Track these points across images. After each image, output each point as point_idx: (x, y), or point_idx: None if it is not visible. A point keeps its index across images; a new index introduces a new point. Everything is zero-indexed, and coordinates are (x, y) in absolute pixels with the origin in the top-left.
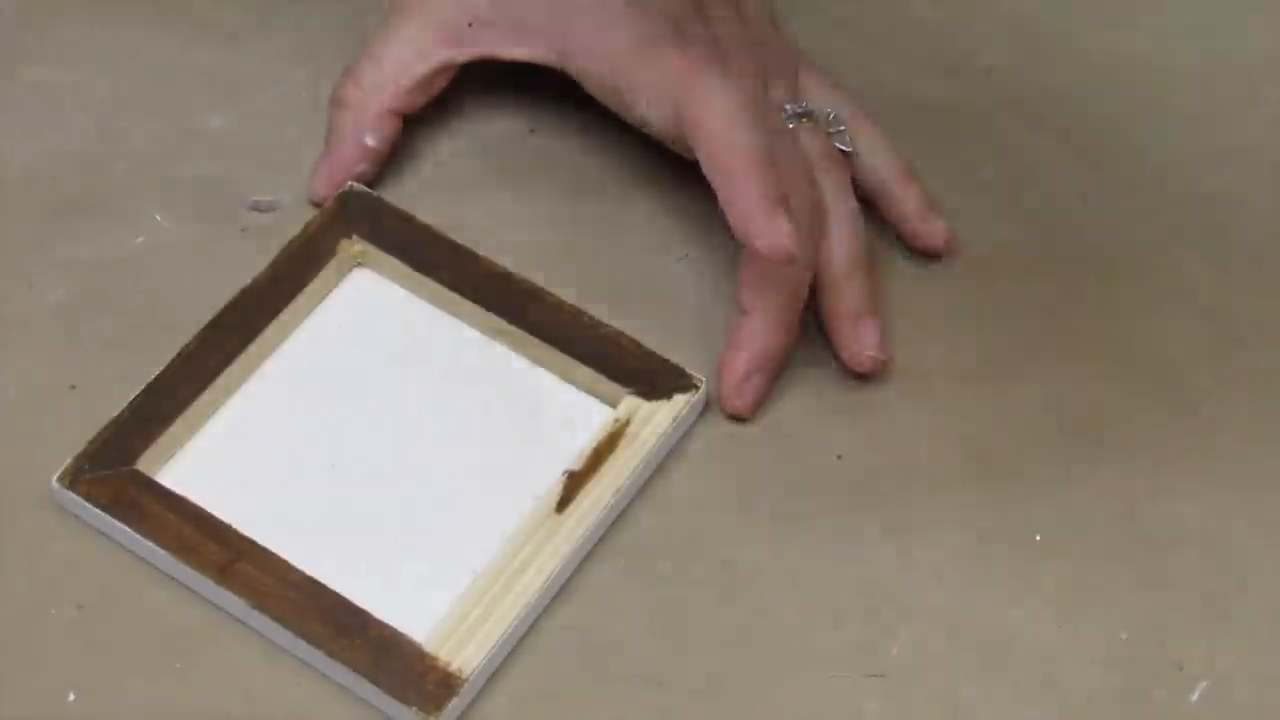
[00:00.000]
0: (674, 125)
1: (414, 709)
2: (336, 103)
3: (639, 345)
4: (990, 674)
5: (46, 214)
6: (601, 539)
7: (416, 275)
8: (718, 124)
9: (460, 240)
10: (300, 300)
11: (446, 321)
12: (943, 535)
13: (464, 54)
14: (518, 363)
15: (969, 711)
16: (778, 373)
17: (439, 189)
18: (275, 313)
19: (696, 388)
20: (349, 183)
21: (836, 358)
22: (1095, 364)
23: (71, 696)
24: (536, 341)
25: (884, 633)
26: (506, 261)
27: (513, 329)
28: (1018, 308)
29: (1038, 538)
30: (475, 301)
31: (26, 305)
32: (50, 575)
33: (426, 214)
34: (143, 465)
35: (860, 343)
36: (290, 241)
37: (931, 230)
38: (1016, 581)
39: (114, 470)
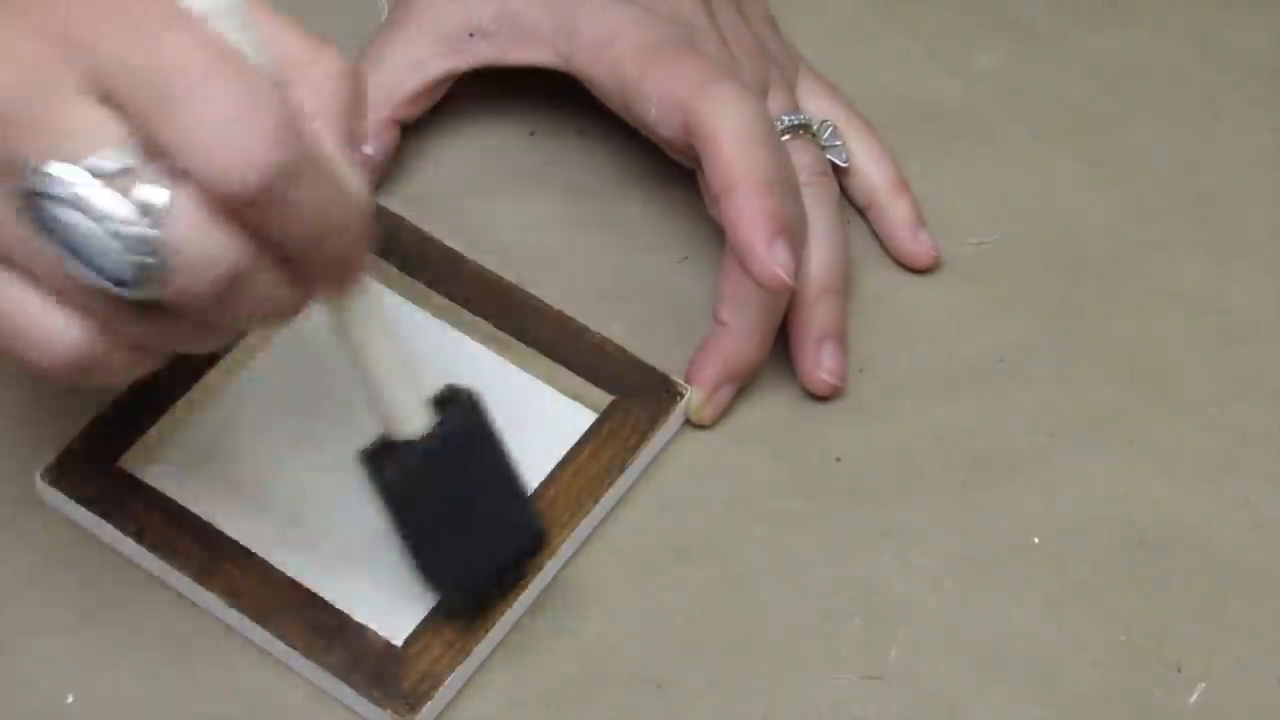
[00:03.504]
0: (682, 133)
1: (388, 712)
2: None
3: (624, 351)
4: (988, 676)
5: None
6: (598, 541)
7: (404, 278)
8: (729, 138)
9: (459, 242)
10: None
11: (432, 325)
12: (941, 537)
13: (465, 63)
14: (503, 367)
15: (967, 713)
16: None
17: (439, 191)
18: None
19: (681, 394)
20: None
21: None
22: (1095, 364)
23: (70, 698)
24: (522, 346)
25: (882, 634)
26: (505, 264)
27: (499, 333)
28: (1018, 308)
29: (1036, 540)
30: (462, 305)
31: None
32: (47, 576)
33: (426, 217)
34: (127, 464)
35: (820, 365)
36: None
37: (917, 245)
38: (1015, 583)
39: (98, 469)
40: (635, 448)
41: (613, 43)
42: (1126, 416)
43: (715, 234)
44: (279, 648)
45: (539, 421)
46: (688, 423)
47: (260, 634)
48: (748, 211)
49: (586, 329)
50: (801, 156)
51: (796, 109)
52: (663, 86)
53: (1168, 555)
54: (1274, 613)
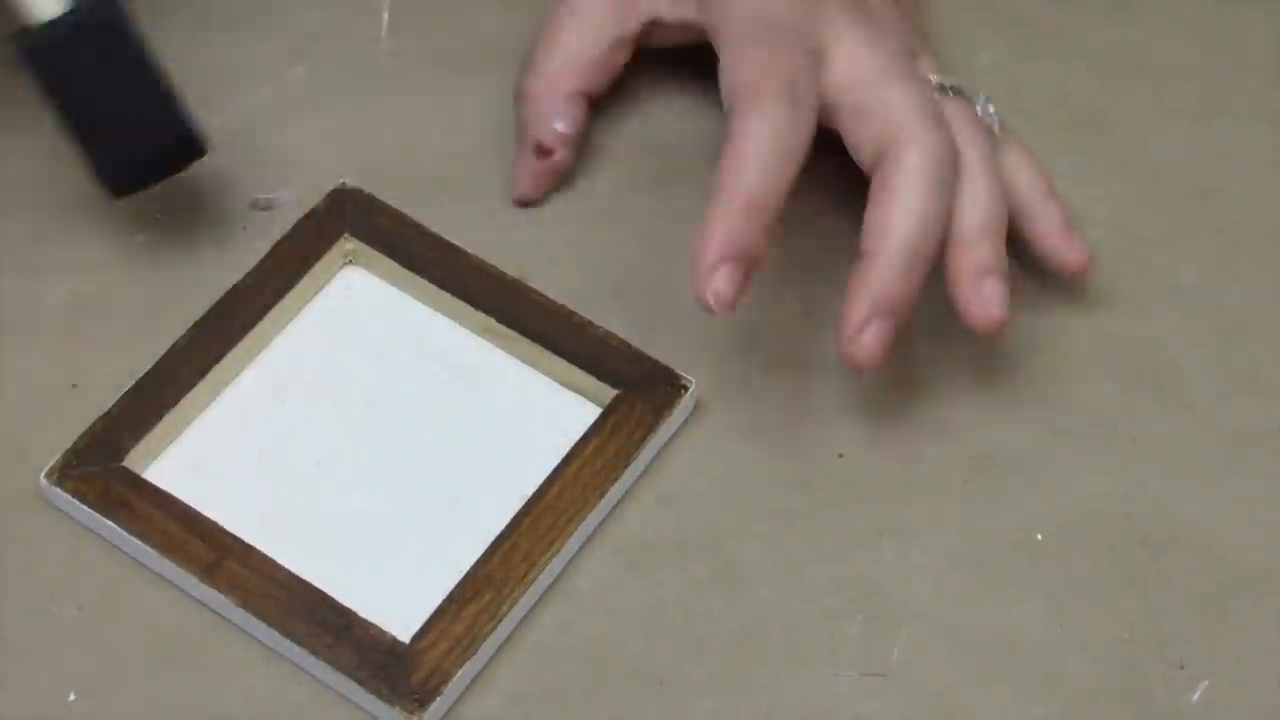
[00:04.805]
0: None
1: (397, 709)
2: (520, 96)
3: (628, 345)
4: (990, 673)
5: (48, 212)
6: (600, 537)
7: (407, 274)
8: (738, 153)
9: (460, 239)
10: (290, 298)
11: (436, 320)
12: (943, 534)
13: (634, 25)
14: (507, 362)
15: (969, 712)
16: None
17: (439, 188)
18: (265, 310)
19: (685, 388)
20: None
21: (959, 320)
22: (1096, 361)
23: (72, 696)
24: (526, 341)
25: (884, 632)
26: (507, 259)
27: (502, 328)
28: (1018, 308)
29: (1039, 537)
30: (465, 300)
31: (27, 304)
32: (51, 575)
33: (426, 213)
34: (131, 462)
35: (983, 300)
36: (282, 239)
37: (1071, 250)
38: (1017, 581)
39: (102, 467)
40: (640, 442)
41: (735, 5)
42: (1128, 414)
43: None
44: (285, 646)
45: (543, 416)
46: (691, 417)
47: (266, 632)
48: (708, 227)
49: (590, 323)
50: (957, 110)
51: (944, 71)
52: (727, 66)
53: (1169, 553)
54: (1276, 611)
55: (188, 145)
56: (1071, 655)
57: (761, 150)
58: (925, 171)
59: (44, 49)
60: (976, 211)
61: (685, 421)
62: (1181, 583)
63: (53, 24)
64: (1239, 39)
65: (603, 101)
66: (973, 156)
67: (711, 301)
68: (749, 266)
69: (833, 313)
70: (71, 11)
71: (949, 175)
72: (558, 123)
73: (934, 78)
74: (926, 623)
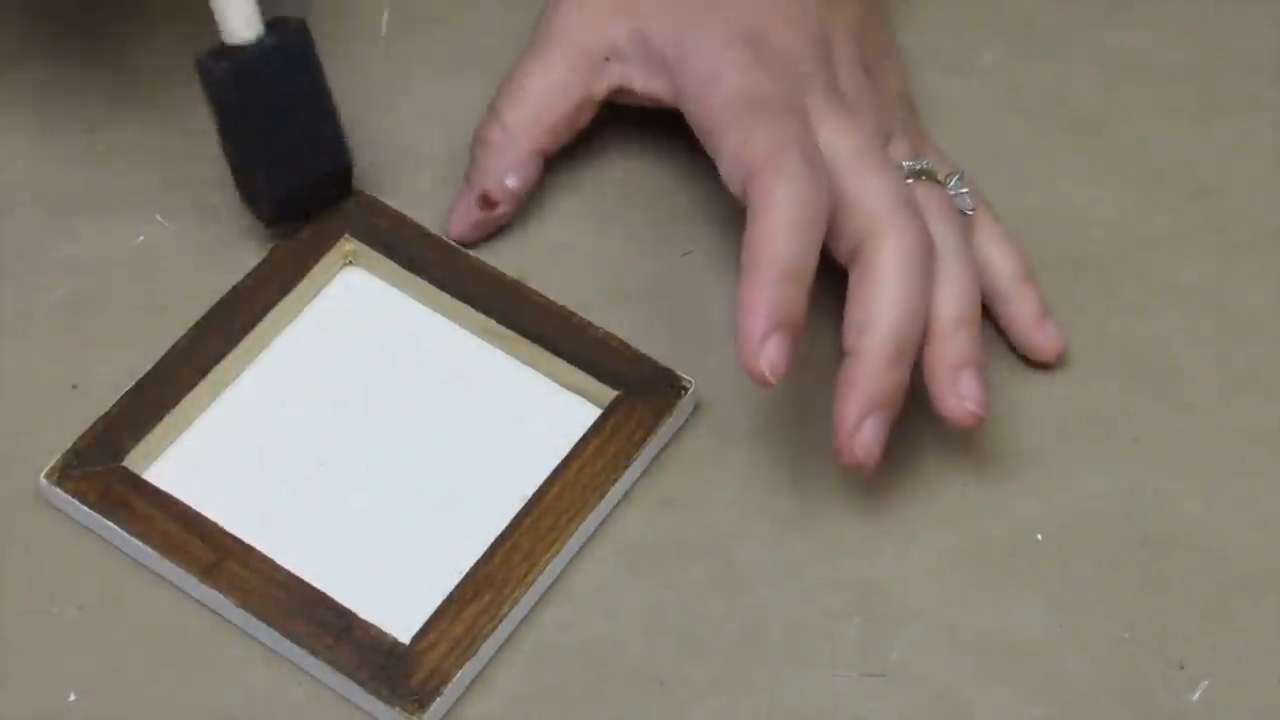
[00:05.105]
0: (743, 197)
1: (397, 709)
2: (482, 142)
3: (628, 347)
4: (990, 674)
5: (47, 212)
6: (600, 539)
7: (407, 274)
8: (768, 223)
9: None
10: (290, 298)
11: (436, 321)
12: (943, 535)
13: (602, 87)
14: (507, 363)
15: (969, 711)
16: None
17: (439, 188)
18: (265, 311)
19: (685, 389)
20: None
21: (936, 411)
22: (1097, 361)
23: (72, 696)
24: (526, 342)
25: (884, 633)
26: (508, 259)
27: (502, 329)
28: None
29: (1039, 537)
30: (465, 301)
31: (27, 304)
32: (52, 574)
33: (426, 214)
34: (131, 463)
35: (960, 394)
36: (282, 239)
37: (1046, 338)
38: (1017, 581)
39: (102, 467)
40: (640, 443)
41: (712, 85)
42: (1128, 413)
43: (719, 228)
44: (285, 646)
45: (542, 418)
46: (691, 418)
47: (266, 633)
48: (750, 300)
49: (590, 324)
50: (929, 197)
51: (918, 155)
52: (735, 145)
53: (1170, 553)
54: (1276, 611)
55: (344, 179)
56: (1071, 655)
57: (790, 217)
58: (904, 262)
59: (239, 72)
60: (951, 302)
61: (685, 422)
62: (1181, 583)
63: (249, 48)
64: (1239, 39)
65: (603, 104)
66: (946, 245)
67: (767, 373)
68: (795, 333)
69: (831, 312)
70: (267, 36)
71: (926, 264)
72: (510, 179)
73: (905, 164)
74: (926, 623)
